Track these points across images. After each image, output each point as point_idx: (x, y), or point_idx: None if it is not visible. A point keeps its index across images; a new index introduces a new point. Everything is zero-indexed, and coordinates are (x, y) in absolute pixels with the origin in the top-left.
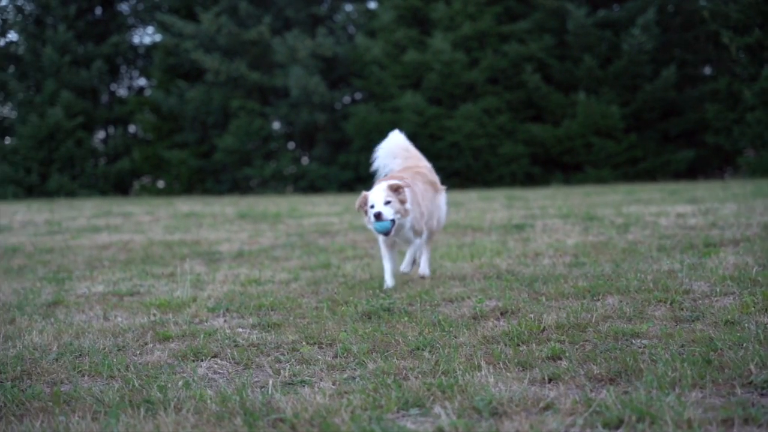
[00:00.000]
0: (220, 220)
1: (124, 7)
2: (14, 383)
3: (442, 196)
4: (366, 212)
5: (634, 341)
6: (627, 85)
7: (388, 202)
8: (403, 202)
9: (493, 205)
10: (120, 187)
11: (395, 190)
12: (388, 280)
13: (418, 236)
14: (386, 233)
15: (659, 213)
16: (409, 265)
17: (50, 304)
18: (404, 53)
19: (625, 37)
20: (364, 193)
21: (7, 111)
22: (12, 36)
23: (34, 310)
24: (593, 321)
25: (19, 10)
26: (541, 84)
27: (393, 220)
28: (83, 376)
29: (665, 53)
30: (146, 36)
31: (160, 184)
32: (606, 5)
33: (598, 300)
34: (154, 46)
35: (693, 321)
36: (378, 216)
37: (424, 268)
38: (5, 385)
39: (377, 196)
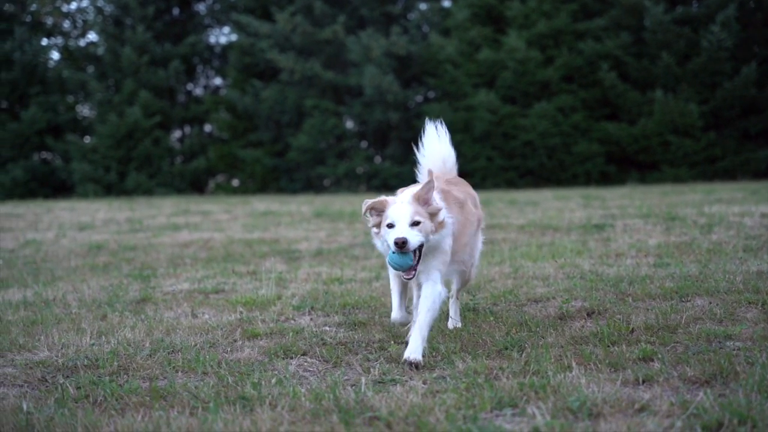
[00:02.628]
0: (297, 219)
1: (200, 8)
2: (112, 378)
3: (480, 235)
4: (376, 225)
5: (727, 343)
6: (706, 83)
7: (416, 223)
8: (434, 214)
9: (569, 205)
10: (196, 185)
11: (425, 200)
12: (396, 312)
13: (459, 276)
14: (408, 271)
15: (743, 213)
16: (457, 318)
17: (138, 301)
18: (478, 51)
19: (705, 33)
20: (382, 197)
21: (87, 110)
22: (92, 36)
23: (124, 306)
24: (683, 322)
25: (99, 11)
26: (618, 82)
27: (419, 248)
28: (177, 372)
29: (745, 50)
30: (222, 36)
31: (235, 182)
32: (685, 2)
33: (687, 301)
34: (230, 45)
35: None
36: (402, 245)
37: (453, 320)
38: (104, 380)
39: (401, 212)
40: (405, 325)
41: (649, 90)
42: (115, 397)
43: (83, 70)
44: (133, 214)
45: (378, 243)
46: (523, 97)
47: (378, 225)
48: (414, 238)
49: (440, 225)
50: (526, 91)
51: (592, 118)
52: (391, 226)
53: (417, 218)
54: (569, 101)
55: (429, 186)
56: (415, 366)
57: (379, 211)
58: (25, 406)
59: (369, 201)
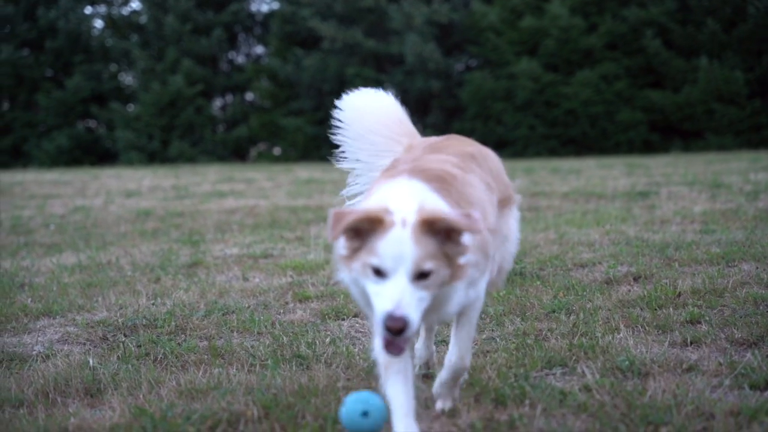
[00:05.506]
0: (341, 187)
1: None
2: (170, 337)
3: (514, 214)
4: (352, 251)
5: None
6: (752, 50)
7: (424, 275)
8: (453, 259)
9: (612, 173)
10: (238, 153)
11: (448, 232)
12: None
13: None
14: (395, 345)
15: None
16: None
17: (190, 265)
18: (521, 19)
19: (751, 0)
20: (371, 209)
21: (131, 79)
22: (135, 5)
23: (176, 270)
24: (730, 287)
25: None
26: (662, 49)
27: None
28: (233, 332)
29: None
30: (264, 4)
31: (276, 150)
32: None
33: (733, 266)
34: (272, 14)
35: None
36: (400, 330)
37: (443, 391)
38: (163, 339)
39: (401, 249)
40: None
41: (693, 57)
42: (174, 355)
43: (127, 38)
44: (178, 182)
45: (346, 276)
46: (565, 65)
47: (355, 251)
48: (416, 310)
49: (458, 271)
50: (569, 59)
51: (635, 86)
52: (379, 273)
53: (428, 266)
54: (612, 69)
55: (463, 220)
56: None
57: (361, 232)
58: (91, 362)
59: (344, 215)
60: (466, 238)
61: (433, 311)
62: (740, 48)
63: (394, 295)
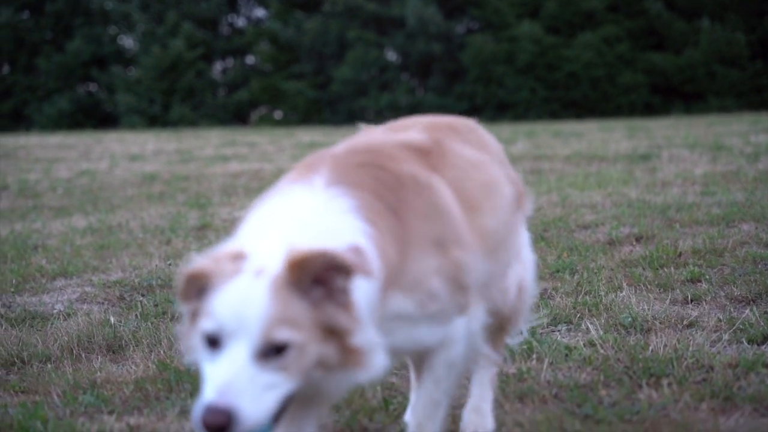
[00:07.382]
0: None
1: None
2: None
3: (522, 224)
4: (190, 317)
5: None
6: (754, 11)
7: (278, 350)
8: (338, 333)
9: (614, 135)
10: (239, 117)
11: (327, 288)
12: None
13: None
14: None
15: None
16: None
17: (199, 227)
18: None
19: None
20: (198, 266)
21: (131, 42)
22: None
23: (186, 232)
24: (730, 246)
25: None
26: (663, 11)
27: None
28: None
29: None
30: None
31: (277, 114)
32: None
33: (733, 227)
34: None
35: None
36: (218, 426)
37: None
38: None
39: (244, 307)
40: None
41: (695, 19)
42: None
43: (127, 1)
44: (180, 145)
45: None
46: (567, 28)
47: (193, 317)
48: (256, 401)
49: (349, 355)
50: (571, 21)
51: (636, 49)
52: (214, 343)
53: (283, 335)
54: (614, 31)
55: (335, 260)
56: None
57: (197, 289)
58: (112, 320)
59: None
60: (362, 297)
61: (308, 402)
62: (742, 9)
63: (221, 377)
